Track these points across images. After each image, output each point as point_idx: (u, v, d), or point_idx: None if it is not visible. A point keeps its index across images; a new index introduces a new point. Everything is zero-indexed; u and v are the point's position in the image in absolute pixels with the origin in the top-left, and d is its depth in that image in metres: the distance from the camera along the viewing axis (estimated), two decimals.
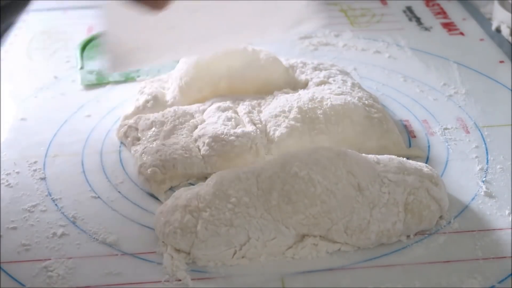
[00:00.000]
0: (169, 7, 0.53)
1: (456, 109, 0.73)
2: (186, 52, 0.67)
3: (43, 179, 0.63)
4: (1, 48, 0.74)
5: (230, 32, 0.64)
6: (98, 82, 0.80)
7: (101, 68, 0.80)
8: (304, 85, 0.73)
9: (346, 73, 0.75)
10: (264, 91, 0.71)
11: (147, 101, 0.72)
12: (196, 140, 0.63)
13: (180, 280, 0.51)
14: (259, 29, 0.64)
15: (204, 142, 0.62)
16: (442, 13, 0.99)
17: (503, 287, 0.50)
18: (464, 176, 0.62)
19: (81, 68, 0.83)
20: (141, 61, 0.65)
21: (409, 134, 0.69)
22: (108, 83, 0.80)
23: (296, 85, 0.73)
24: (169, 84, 0.75)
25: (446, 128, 0.69)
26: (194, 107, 0.67)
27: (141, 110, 0.71)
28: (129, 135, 0.67)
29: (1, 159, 0.66)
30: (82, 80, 0.81)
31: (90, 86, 0.80)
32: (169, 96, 0.72)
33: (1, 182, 0.63)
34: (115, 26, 0.62)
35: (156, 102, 0.72)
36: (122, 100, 0.76)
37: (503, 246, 0.53)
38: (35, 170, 0.64)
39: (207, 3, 0.59)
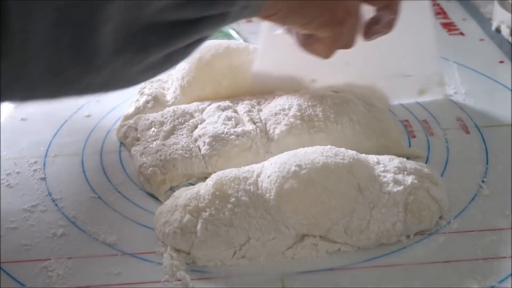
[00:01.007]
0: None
1: (456, 109, 0.73)
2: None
3: (43, 179, 0.63)
4: None
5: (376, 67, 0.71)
6: None
7: None
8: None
9: None
10: (266, 91, 0.71)
11: (147, 102, 0.72)
12: (196, 140, 0.63)
13: (180, 280, 0.51)
14: (389, 90, 0.71)
15: (204, 142, 0.62)
16: (442, 13, 0.99)
17: (503, 287, 0.50)
18: (464, 176, 0.62)
19: None
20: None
21: (409, 134, 0.69)
22: None
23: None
24: (169, 84, 0.75)
25: (446, 128, 0.69)
26: (193, 107, 0.67)
27: (141, 110, 0.71)
28: (129, 135, 0.67)
29: (1, 159, 0.66)
30: None
31: None
32: (170, 96, 0.72)
33: (1, 182, 0.63)
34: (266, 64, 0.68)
35: (156, 102, 0.72)
36: (122, 100, 0.76)
37: (503, 246, 0.53)
38: (35, 170, 0.64)
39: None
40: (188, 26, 0.47)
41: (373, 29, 0.60)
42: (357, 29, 0.58)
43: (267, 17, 0.52)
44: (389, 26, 0.60)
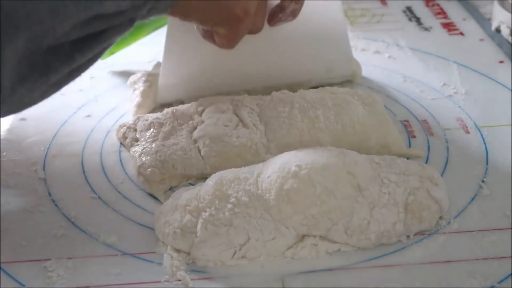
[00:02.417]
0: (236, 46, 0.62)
1: (456, 109, 0.73)
2: (235, 86, 0.73)
3: (43, 179, 0.63)
4: None
5: (274, 73, 0.73)
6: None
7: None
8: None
9: None
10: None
11: (145, 81, 0.74)
12: (195, 141, 0.63)
13: (180, 280, 0.51)
14: (299, 72, 0.74)
15: (204, 143, 0.62)
16: (442, 13, 0.99)
17: (503, 287, 0.50)
18: (464, 176, 0.62)
19: None
20: (189, 94, 0.72)
21: (409, 134, 0.69)
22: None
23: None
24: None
25: (446, 128, 0.69)
26: (192, 108, 0.67)
27: (146, 94, 0.73)
28: (128, 136, 0.67)
29: (1, 159, 0.66)
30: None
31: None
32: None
33: (1, 182, 0.63)
34: (175, 56, 0.69)
35: (152, 77, 0.74)
36: (122, 100, 0.76)
37: (503, 246, 0.53)
38: (35, 170, 0.64)
39: (262, 45, 0.68)
40: (92, 39, 0.49)
41: (277, 16, 0.66)
42: (259, 21, 0.63)
43: (170, 13, 0.55)
44: (292, 14, 0.66)
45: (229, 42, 0.62)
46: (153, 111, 0.72)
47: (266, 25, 0.66)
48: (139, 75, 0.76)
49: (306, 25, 0.70)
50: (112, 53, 0.81)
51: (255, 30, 0.64)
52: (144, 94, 0.73)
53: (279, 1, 0.66)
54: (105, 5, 0.47)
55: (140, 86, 0.74)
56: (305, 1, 0.66)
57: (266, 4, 0.65)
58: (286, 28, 0.68)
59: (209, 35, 0.63)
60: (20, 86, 0.46)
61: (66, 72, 0.49)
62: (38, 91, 0.49)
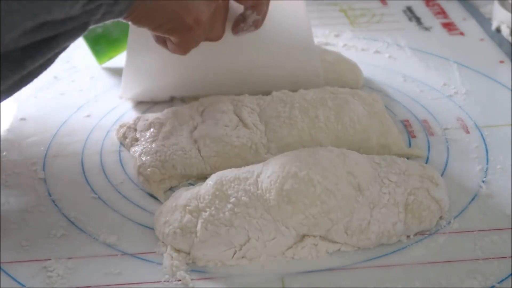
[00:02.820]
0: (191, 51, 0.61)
1: (456, 109, 0.73)
2: (192, 92, 0.73)
3: (43, 179, 0.63)
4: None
5: (237, 80, 0.72)
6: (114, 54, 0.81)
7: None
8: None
9: None
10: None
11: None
12: (195, 141, 0.63)
13: (180, 280, 0.51)
14: (263, 81, 0.72)
15: (204, 143, 0.62)
16: (442, 13, 0.99)
17: (503, 287, 0.50)
18: (464, 176, 0.62)
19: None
20: (153, 94, 0.73)
21: (409, 134, 0.69)
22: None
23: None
24: None
25: (446, 128, 0.69)
26: (192, 109, 0.67)
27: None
28: (128, 136, 0.67)
29: (1, 159, 0.66)
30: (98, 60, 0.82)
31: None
32: None
33: (1, 182, 0.63)
34: (139, 54, 0.69)
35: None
36: (122, 100, 0.76)
37: (503, 246, 0.53)
38: (35, 170, 0.64)
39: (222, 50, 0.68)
40: (43, 45, 0.48)
41: (239, 26, 0.66)
42: (218, 28, 0.63)
43: (124, 18, 0.54)
44: (255, 25, 0.66)
45: (181, 49, 0.61)
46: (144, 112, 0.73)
47: (230, 32, 0.67)
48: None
49: (271, 35, 0.69)
50: (110, 58, 0.81)
51: (214, 37, 0.64)
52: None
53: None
54: (53, 13, 0.46)
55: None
56: (272, 11, 0.66)
57: (226, 12, 0.65)
58: (250, 36, 0.68)
59: (161, 40, 0.63)
60: None
61: (17, 78, 0.49)
62: None
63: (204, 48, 0.64)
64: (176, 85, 0.73)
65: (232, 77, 0.72)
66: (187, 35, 0.59)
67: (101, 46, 0.81)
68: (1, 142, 0.69)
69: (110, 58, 0.81)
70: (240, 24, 0.66)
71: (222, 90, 0.71)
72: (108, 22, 0.53)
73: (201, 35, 0.61)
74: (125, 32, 0.76)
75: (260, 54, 0.71)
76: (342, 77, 0.75)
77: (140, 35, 0.67)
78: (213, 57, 0.69)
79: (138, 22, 0.56)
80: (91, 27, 0.51)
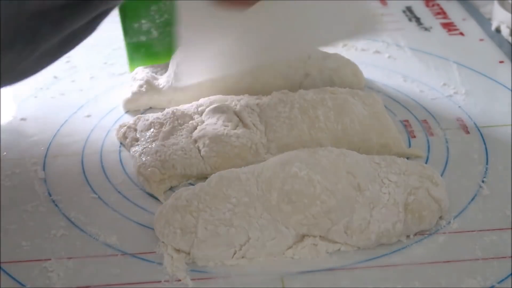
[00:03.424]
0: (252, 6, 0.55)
1: (456, 109, 0.73)
2: (254, 62, 0.69)
3: (43, 179, 0.63)
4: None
5: (295, 40, 0.66)
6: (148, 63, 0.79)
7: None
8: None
9: None
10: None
11: (140, 86, 0.73)
12: (195, 141, 0.63)
13: (180, 280, 0.51)
14: (323, 37, 0.67)
15: (204, 143, 0.62)
16: (442, 13, 0.99)
17: (503, 287, 0.50)
18: (464, 176, 0.62)
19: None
20: (209, 72, 0.68)
21: (409, 134, 0.69)
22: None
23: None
24: (161, 68, 0.77)
25: (446, 128, 0.69)
26: (192, 108, 0.67)
27: (137, 95, 0.73)
28: (128, 136, 0.67)
29: (1, 159, 0.66)
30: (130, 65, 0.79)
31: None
32: (162, 81, 0.73)
33: (1, 182, 0.63)
34: (188, 39, 0.64)
35: (149, 86, 0.73)
36: (122, 100, 0.76)
37: (503, 246, 0.53)
38: (35, 170, 0.64)
39: (274, 12, 0.61)
40: (81, 6, 0.45)
41: None
42: None
43: None
44: None
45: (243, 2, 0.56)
46: (144, 112, 0.73)
47: None
48: (143, 75, 0.75)
49: None
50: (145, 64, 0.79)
51: None
52: (135, 94, 0.74)
53: None
54: None
55: (135, 85, 0.74)
56: None
57: None
58: None
59: None
60: (9, 50, 0.44)
61: (56, 41, 0.46)
62: (30, 60, 0.46)
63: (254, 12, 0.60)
64: (233, 57, 0.68)
65: (290, 36, 0.66)
66: None
67: (139, 55, 0.79)
68: (1, 142, 0.69)
69: (145, 65, 0.79)
70: None
71: (281, 54, 0.69)
72: None
73: None
74: (168, 48, 0.76)
75: (310, 15, 0.66)
76: (345, 82, 0.75)
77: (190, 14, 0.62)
78: (268, 18, 0.64)
79: None
80: None
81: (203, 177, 0.61)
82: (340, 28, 0.67)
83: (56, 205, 0.60)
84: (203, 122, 0.65)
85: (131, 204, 0.60)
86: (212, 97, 0.69)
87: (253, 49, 0.67)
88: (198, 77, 0.70)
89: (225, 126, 0.64)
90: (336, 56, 0.77)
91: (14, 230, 0.57)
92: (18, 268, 0.53)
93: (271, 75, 0.73)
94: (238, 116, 0.65)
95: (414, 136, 0.69)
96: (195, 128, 0.65)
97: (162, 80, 0.74)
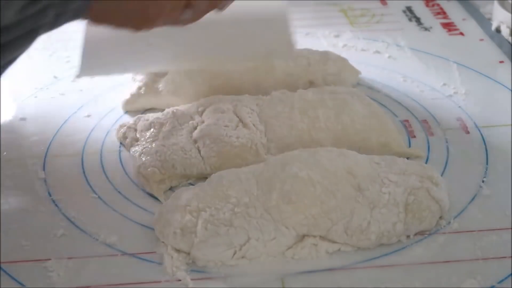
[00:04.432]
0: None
1: (456, 109, 0.73)
2: (158, 67, 0.71)
3: (43, 179, 0.63)
4: None
5: (202, 53, 0.67)
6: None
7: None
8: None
9: None
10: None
11: (139, 88, 0.74)
12: (195, 141, 0.63)
13: (180, 280, 0.51)
14: (232, 54, 0.68)
15: (204, 143, 0.62)
16: (442, 13, 0.99)
17: (503, 287, 0.50)
18: (464, 176, 0.62)
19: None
20: (112, 69, 0.69)
21: (409, 134, 0.69)
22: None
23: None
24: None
25: (446, 128, 0.69)
26: (192, 109, 0.67)
27: (136, 97, 0.73)
28: (128, 136, 0.67)
29: (1, 159, 0.66)
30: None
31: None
32: (162, 84, 0.73)
33: (1, 182, 0.63)
34: (96, 32, 0.62)
35: (148, 89, 0.74)
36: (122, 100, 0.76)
37: (503, 246, 0.53)
38: (35, 170, 0.64)
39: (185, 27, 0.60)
40: None
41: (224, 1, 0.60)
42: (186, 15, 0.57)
43: (85, 18, 0.51)
44: None
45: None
46: (144, 112, 0.73)
47: None
48: (142, 76, 0.75)
49: (243, 6, 0.65)
50: None
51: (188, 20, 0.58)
52: (133, 96, 0.74)
53: None
54: None
55: (134, 87, 0.74)
56: None
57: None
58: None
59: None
60: None
61: None
62: None
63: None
64: (139, 56, 0.68)
65: (198, 49, 0.68)
66: (151, 26, 0.55)
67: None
68: (1, 142, 0.69)
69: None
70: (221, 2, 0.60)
71: (193, 63, 0.69)
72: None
73: (167, 22, 0.56)
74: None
75: (231, 24, 0.66)
76: (346, 83, 0.76)
77: None
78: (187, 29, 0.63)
79: (97, 21, 0.52)
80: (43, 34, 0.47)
81: (203, 177, 0.60)
82: (254, 48, 0.68)
83: (56, 205, 0.60)
84: (203, 122, 0.65)
85: (131, 204, 0.60)
86: (212, 97, 0.69)
87: (165, 53, 0.68)
88: (104, 71, 0.70)
89: (225, 126, 0.64)
90: (331, 56, 0.77)
91: (14, 230, 0.57)
92: (18, 268, 0.53)
93: (271, 83, 0.72)
94: (238, 116, 0.65)
95: (414, 136, 0.69)
96: (195, 128, 0.65)
97: (162, 84, 0.73)
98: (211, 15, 0.61)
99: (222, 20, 0.63)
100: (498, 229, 0.55)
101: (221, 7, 0.60)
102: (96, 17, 0.51)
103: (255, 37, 0.68)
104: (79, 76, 0.68)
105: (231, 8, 0.62)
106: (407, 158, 0.62)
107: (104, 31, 0.57)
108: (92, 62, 0.67)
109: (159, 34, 0.61)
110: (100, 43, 0.65)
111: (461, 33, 0.92)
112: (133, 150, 0.65)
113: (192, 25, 0.60)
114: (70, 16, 0.48)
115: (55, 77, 0.82)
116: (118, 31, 0.55)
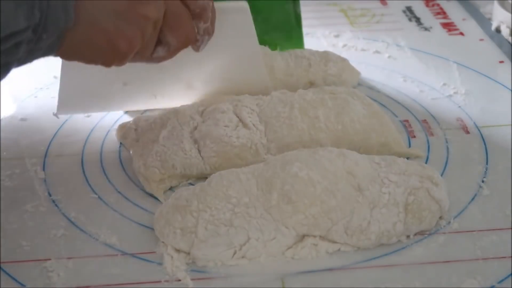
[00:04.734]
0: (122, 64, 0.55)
1: (456, 109, 0.73)
2: (134, 105, 0.72)
3: (43, 179, 0.63)
4: None
5: (177, 92, 0.69)
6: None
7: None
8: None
9: None
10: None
11: None
12: (195, 141, 0.63)
13: (180, 280, 0.51)
14: (206, 92, 0.70)
15: (204, 143, 0.62)
16: (442, 13, 0.99)
17: (503, 287, 0.50)
18: (464, 176, 0.62)
19: None
20: (89, 108, 0.70)
21: (409, 134, 0.69)
22: None
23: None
24: None
25: (446, 128, 0.69)
26: (192, 109, 0.67)
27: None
28: (128, 136, 0.67)
29: (1, 159, 0.66)
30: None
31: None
32: None
33: (1, 182, 0.63)
34: (71, 69, 0.64)
35: None
36: None
37: (503, 246, 0.53)
38: (35, 170, 0.64)
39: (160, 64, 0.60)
40: None
41: (200, 41, 0.61)
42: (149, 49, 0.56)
43: (56, 53, 0.51)
44: (207, 33, 0.61)
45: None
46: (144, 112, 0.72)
47: None
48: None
49: (215, 45, 0.64)
50: None
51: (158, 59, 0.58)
52: None
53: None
54: None
55: None
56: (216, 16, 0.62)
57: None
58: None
59: None
60: None
61: None
62: None
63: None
64: (115, 96, 0.70)
65: (174, 88, 0.70)
66: (125, 60, 0.54)
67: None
68: (1, 142, 0.69)
69: None
70: (196, 41, 0.61)
71: (161, 102, 0.70)
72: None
73: (143, 56, 0.56)
74: None
75: (203, 64, 0.68)
76: (347, 84, 0.76)
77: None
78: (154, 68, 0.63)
79: (68, 57, 0.53)
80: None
81: (203, 177, 0.60)
82: (228, 86, 0.70)
83: (56, 205, 0.60)
84: (203, 122, 0.65)
85: (131, 204, 0.60)
86: (212, 97, 0.69)
87: (141, 93, 0.69)
88: (81, 110, 0.71)
89: (225, 126, 0.64)
90: (331, 57, 0.77)
91: (14, 230, 0.57)
92: (18, 268, 0.53)
93: (271, 83, 0.72)
94: (238, 116, 0.65)
95: (414, 136, 0.69)
96: (195, 128, 0.65)
97: None
98: (188, 50, 0.61)
99: (198, 55, 0.63)
100: (498, 229, 0.55)
101: (197, 47, 0.61)
102: (66, 53, 0.52)
103: (232, 73, 0.69)
104: (57, 114, 0.70)
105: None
106: (407, 158, 0.62)
107: (80, 68, 0.57)
108: (69, 101, 0.68)
109: (135, 71, 0.63)
110: (76, 82, 0.66)
111: (461, 33, 0.92)
112: (133, 150, 0.65)
113: (168, 62, 0.60)
114: (42, 52, 0.49)
115: (55, 77, 0.82)
116: (94, 68, 0.54)
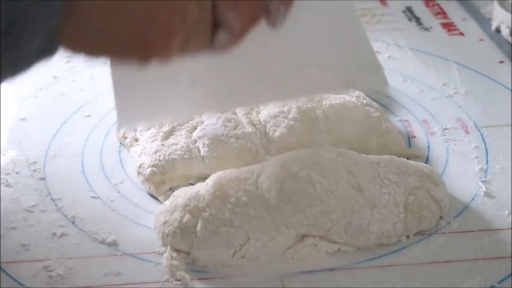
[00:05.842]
0: (167, 59, 0.43)
1: (456, 109, 0.73)
2: (208, 108, 0.59)
3: (43, 179, 0.63)
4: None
5: (261, 87, 0.52)
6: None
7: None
8: None
9: None
10: None
11: None
12: (195, 141, 0.63)
13: (180, 280, 0.51)
14: (299, 85, 0.53)
15: (204, 143, 0.62)
16: (441, 13, 0.99)
17: (503, 287, 0.50)
18: (464, 176, 0.62)
19: None
20: (154, 116, 0.56)
21: (409, 134, 0.69)
22: None
23: None
24: None
25: (446, 128, 0.69)
26: None
27: None
28: (128, 136, 0.67)
29: (1, 159, 0.66)
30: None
31: None
32: None
33: (1, 182, 0.63)
34: (123, 77, 0.54)
35: None
36: None
37: (503, 246, 0.53)
38: (35, 170, 0.64)
39: (231, 56, 0.47)
40: None
41: (270, 16, 0.46)
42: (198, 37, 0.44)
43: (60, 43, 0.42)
44: (286, 5, 0.46)
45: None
46: None
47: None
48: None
49: (308, 27, 0.51)
50: None
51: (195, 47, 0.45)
52: None
53: None
54: None
55: None
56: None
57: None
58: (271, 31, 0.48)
59: None
60: None
61: None
62: None
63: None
64: (184, 99, 0.54)
65: (256, 83, 0.52)
66: (166, 55, 0.42)
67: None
68: (1, 142, 0.69)
69: None
70: (269, 14, 0.46)
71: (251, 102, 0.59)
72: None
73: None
74: None
75: (290, 47, 0.51)
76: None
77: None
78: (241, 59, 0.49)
79: (91, 51, 0.42)
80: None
81: (203, 177, 0.60)
82: (331, 76, 0.53)
83: (56, 205, 0.60)
84: (203, 122, 0.65)
85: (131, 204, 0.60)
86: None
87: (215, 92, 0.53)
88: (146, 117, 0.57)
89: (225, 126, 0.64)
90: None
91: (14, 230, 0.57)
92: (18, 268, 0.53)
93: None
94: (238, 116, 0.65)
95: (414, 136, 0.69)
96: (195, 128, 0.65)
97: None
98: (262, 29, 0.47)
99: (280, 39, 0.49)
100: (498, 229, 0.55)
101: (272, 22, 0.46)
102: (83, 47, 0.41)
103: (329, 60, 0.52)
104: (119, 127, 0.61)
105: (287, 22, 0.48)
106: (407, 158, 0.62)
107: (131, 71, 0.47)
108: (129, 110, 0.54)
109: (203, 67, 0.49)
110: (132, 87, 0.53)
111: (461, 33, 0.92)
112: (133, 150, 0.65)
113: (240, 51, 0.46)
114: (36, 54, 0.41)
115: (55, 77, 0.82)
116: (147, 69, 0.43)
